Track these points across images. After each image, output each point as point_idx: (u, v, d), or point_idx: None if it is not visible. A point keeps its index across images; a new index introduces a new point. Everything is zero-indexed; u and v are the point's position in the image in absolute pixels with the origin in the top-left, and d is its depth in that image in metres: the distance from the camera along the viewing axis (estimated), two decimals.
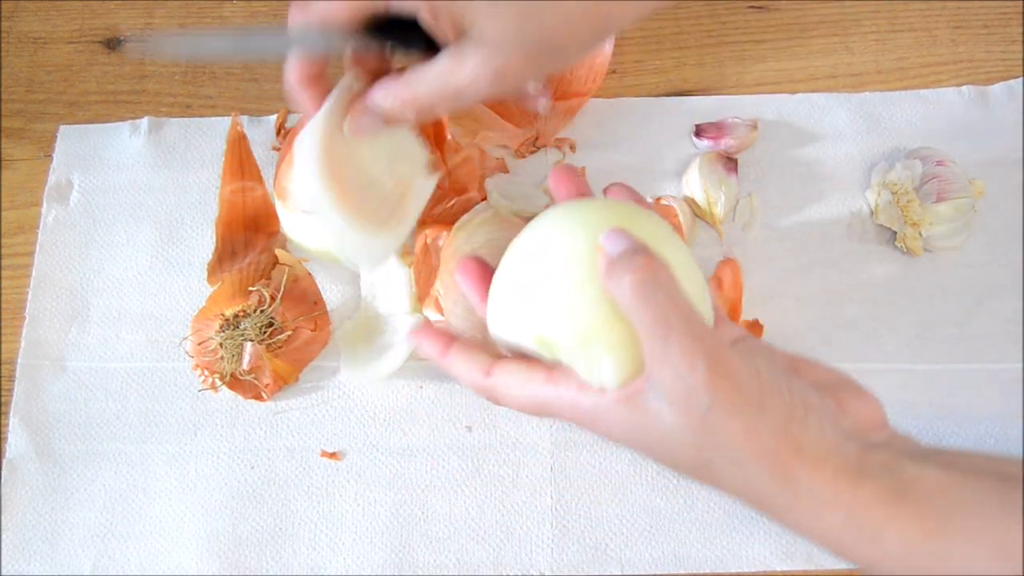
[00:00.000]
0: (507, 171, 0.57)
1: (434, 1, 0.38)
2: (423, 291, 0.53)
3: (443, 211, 0.55)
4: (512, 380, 0.38)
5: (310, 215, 0.45)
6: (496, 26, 0.38)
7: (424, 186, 0.47)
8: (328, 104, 0.42)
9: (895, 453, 0.35)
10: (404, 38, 0.40)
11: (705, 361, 0.34)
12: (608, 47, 0.58)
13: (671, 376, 0.34)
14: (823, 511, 0.34)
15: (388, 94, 0.41)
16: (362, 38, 0.40)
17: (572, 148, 0.58)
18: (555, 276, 0.37)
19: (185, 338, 0.54)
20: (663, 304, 0.35)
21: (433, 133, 0.55)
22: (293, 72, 0.42)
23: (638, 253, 0.36)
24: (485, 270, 0.42)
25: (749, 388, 0.34)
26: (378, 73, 0.42)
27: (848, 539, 0.34)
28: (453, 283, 0.51)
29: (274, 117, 0.59)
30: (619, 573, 0.49)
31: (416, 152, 0.47)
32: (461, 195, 0.55)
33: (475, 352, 0.40)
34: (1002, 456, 0.36)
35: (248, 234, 0.55)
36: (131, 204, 0.57)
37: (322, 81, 0.43)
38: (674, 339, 0.34)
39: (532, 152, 0.58)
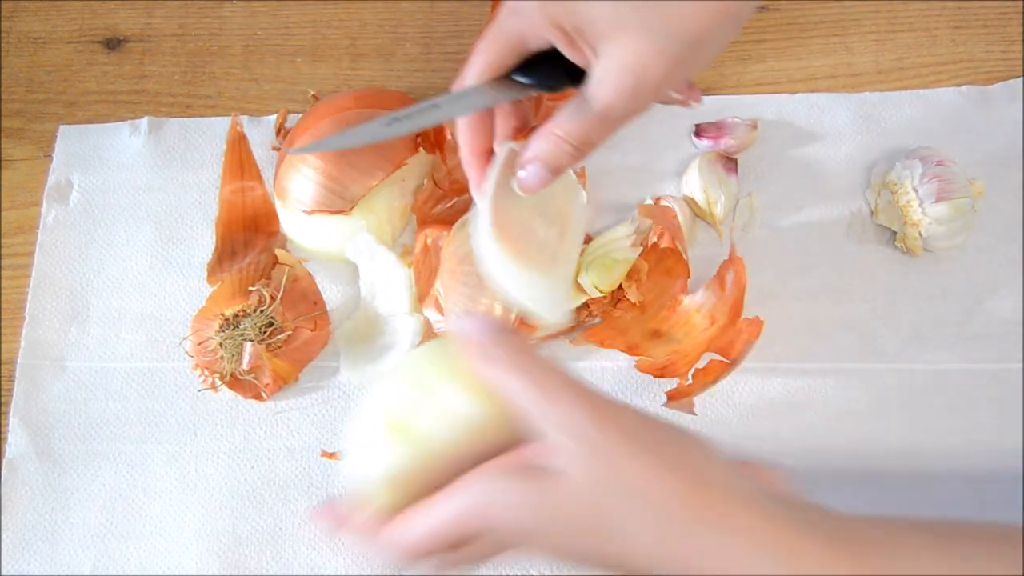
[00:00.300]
0: None
1: (563, 26, 0.38)
2: (423, 291, 0.53)
3: (443, 211, 0.55)
4: (409, 514, 0.36)
5: (493, 281, 0.44)
6: (622, 37, 0.37)
7: (579, 208, 0.48)
8: (493, 173, 0.42)
9: (816, 506, 0.35)
10: (549, 74, 0.40)
11: (594, 412, 0.34)
12: None
13: (563, 426, 0.34)
14: (760, 552, 0.33)
15: (545, 140, 0.40)
16: (510, 85, 0.40)
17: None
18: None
19: (185, 338, 0.54)
20: (540, 371, 0.35)
21: (433, 134, 0.55)
22: (466, 147, 0.43)
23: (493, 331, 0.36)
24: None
25: (641, 431, 0.34)
26: (530, 131, 0.42)
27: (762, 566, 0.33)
28: (453, 283, 0.50)
29: (274, 117, 0.59)
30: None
31: (562, 181, 0.45)
32: (461, 195, 0.55)
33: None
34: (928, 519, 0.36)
35: (248, 234, 0.55)
36: (131, 204, 0.57)
37: (490, 155, 0.43)
38: (562, 395, 0.34)
39: None
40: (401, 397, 0.38)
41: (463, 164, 0.44)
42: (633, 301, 0.52)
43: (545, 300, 0.45)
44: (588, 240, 0.53)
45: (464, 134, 0.43)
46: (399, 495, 0.36)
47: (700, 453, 0.35)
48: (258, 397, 0.52)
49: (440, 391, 0.37)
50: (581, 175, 0.55)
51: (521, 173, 0.41)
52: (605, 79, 0.38)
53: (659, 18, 0.37)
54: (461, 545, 0.36)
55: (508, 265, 0.42)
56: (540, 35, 0.39)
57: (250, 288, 0.53)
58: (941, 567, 0.33)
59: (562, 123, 0.39)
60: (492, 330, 0.36)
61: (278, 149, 0.58)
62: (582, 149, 0.40)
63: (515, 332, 0.36)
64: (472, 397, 0.36)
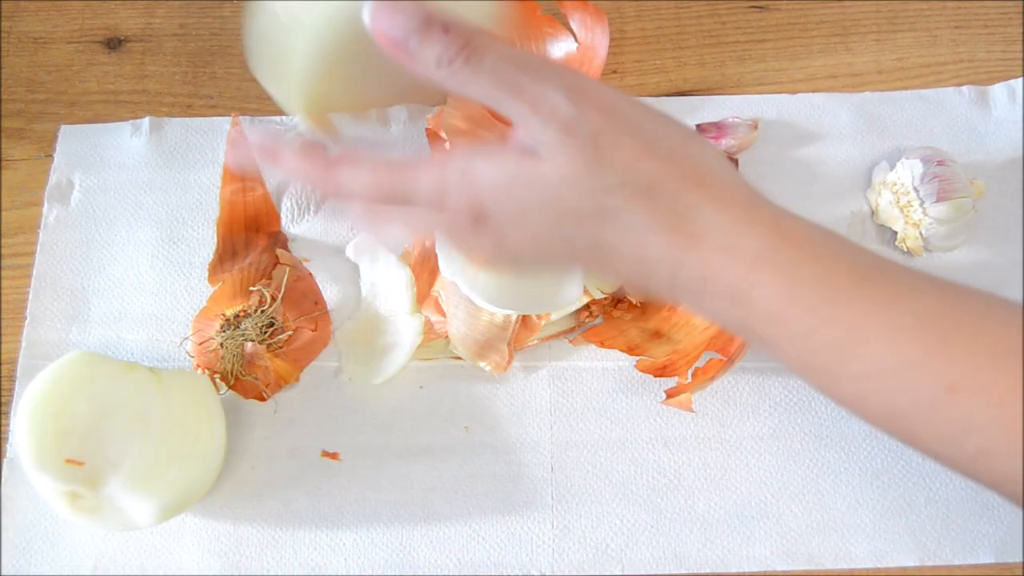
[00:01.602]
0: None
1: None
2: (423, 292, 0.53)
3: None
4: (363, 159, 0.33)
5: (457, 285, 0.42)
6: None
7: None
8: None
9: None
10: None
11: (572, 90, 0.31)
12: (605, 47, 0.58)
13: (545, 114, 0.31)
14: (740, 242, 0.32)
15: None
16: None
17: None
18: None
19: (186, 338, 0.54)
20: (498, 64, 0.31)
21: (429, 135, 0.55)
22: None
23: (435, 28, 0.31)
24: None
25: (630, 114, 0.32)
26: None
27: (754, 281, 0.32)
28: (454, 285, 0.51)
29: (274, 117, 0.59)
30: (619, 573, 0.49)
31: None
32: None
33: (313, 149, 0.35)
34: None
35: (249, 234, 0.55)
36: (132, 204, 0.57)
37: None
38: (527, 82, 0.31)
39: None
40: None
41: None
42: (634, 302, 0.52)
43: (522, 301, 0.44)
44: None
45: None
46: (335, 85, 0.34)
47: (691, 138, 0.33)
48: (258, 397, 0.52)
49: None
50: None
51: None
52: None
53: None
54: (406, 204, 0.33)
55: (466, 269, 0.40)
56: None
57: (251, 288, 0.53)
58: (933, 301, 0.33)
59: None
60: (420, 22, 0.31)
61: None
62: None
63: (456, 30, 0.31)
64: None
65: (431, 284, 0.52)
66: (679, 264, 0.33)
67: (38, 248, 0.56)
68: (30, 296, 0.55)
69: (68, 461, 0.44)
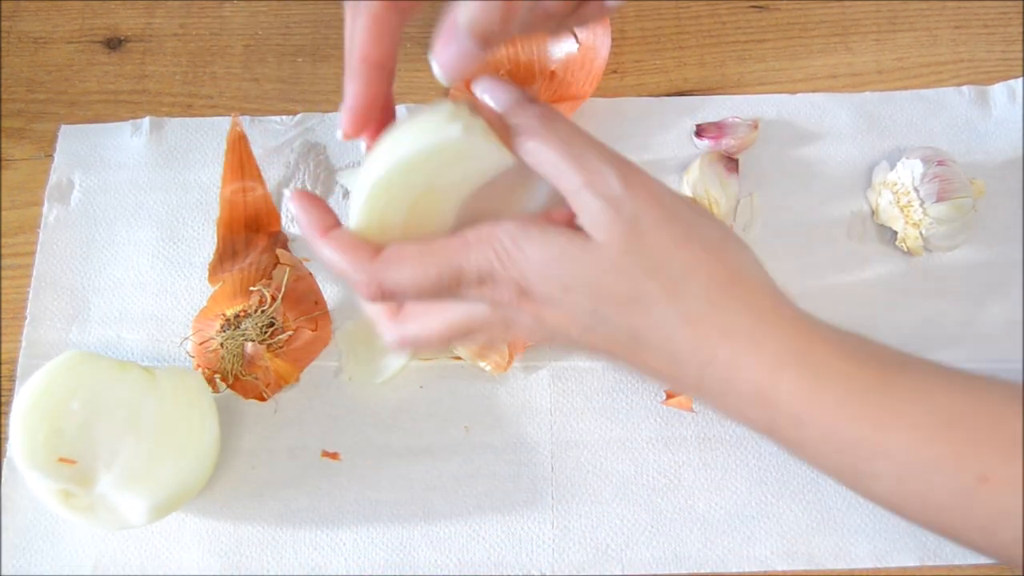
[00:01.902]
0: None
1: None
2: None
3: None
4: (409, 251, 0.33)
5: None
6: None
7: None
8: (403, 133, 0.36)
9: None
10: None
11: (624, 173, 0.33)
12: (606, 47, 0.58)
13: (595, 191, 0.32)
14: (765, 342, 0.33)
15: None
16: None
17: None
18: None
19: (186, 338, 0.54)
20: (569, 137, 0.33)
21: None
22: (357, 48, 0.34)
23: (526, 102, 0.34)
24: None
25: (673, 204, 0.33)
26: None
27: (779, 380, 0.33)
28: None
29: (274, 117, 0.59)
30: (619, 573, 0.49)
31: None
32: None
33: (356, 238, 0.35)
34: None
35: (249, 234, 0.55)
36: (132, 204, 0.57)
37: (387, 70, 0.35)
38: (591, 157, 0.33)
39: None
40: (407, 134, 0.34)
41: (346, 76, 0.35)
42: None
43: None
44: None
45: (363, 22, 0.34)
46: (393, 222, 0.33)
47: (728, 237, 0.34)
48: (259, 397, 0.52)
49: (450, 130, 0.33)
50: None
51: (441, 53, 0.34)
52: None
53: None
54: (456, 296, 0.33)
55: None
56: None
57: (251, 288, 0.53)
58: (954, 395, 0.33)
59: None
60: (517, 97, 0.34)
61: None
62: None
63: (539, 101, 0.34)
64: (491, 142, 0.33)
65: None
66: (707, 361, 0.33)
67: (38, 248, 0.56)
68: (30, 296, 0.55)
69: (61, 460, 0.44)
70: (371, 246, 0.34)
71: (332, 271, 0.35)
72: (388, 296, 0.34)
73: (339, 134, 0.35)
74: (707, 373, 0.33)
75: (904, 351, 0.36)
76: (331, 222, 0.35)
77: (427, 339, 0.36)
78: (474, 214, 0.36)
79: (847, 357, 0.34)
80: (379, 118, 0.36)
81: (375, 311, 0.37)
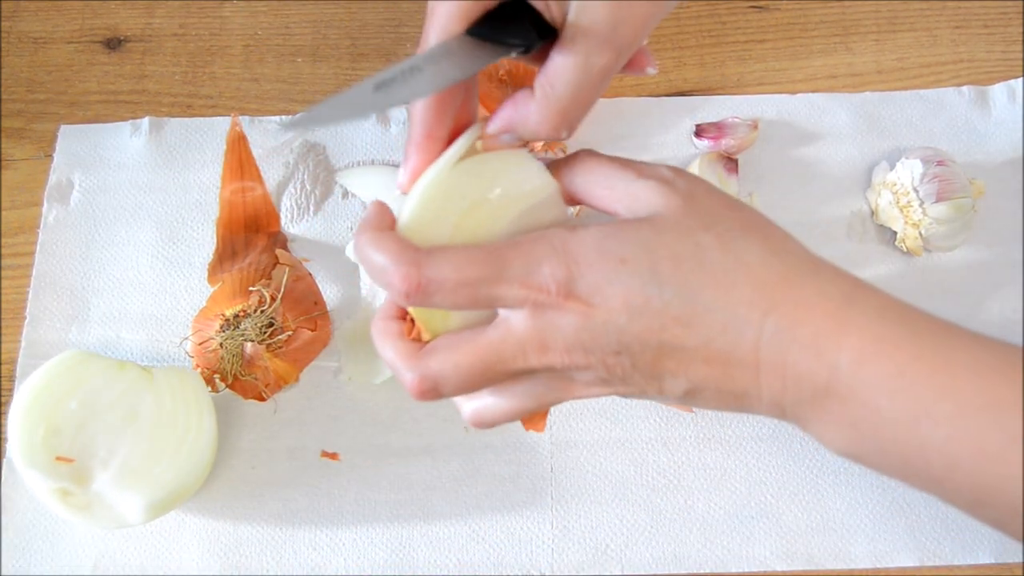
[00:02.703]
0: None
1: None
2: None
3: None
4: (454, 248, 0.33)
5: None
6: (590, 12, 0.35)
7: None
8: (448, 157, 0.37)
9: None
10: (520, 29, 0.36)
11: (671, 168, 0.35)
12: None
13: (650, 175, 0.34)
14: (827, 288, 0.34)
15: (523, 102, 0.36)
16: (483, 45, 0.36)
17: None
18: None
19: (186, 338, 0.54)
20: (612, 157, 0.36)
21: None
22: (422, 127, 0.36)
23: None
24: None
25: (717, 188, 0.36)
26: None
27: (845, 319, 0.33)
28: None
29: (274, 117, 0.59)
30: (619, 573, 0.49)
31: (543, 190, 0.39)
32: None
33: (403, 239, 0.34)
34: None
35: (248, 234, 0.55)
36: (132, 204, 0.57)
37: (446, 143, 0.37)
38: (638, 163, 0.35)
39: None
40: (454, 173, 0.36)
41: (409, 146, 0.37)
42: None
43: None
44: None
45: (426, 111, 0.36)
46: (441, 230, 0.34)
47: (767, 218, 0.36)
48: (258, 397, 0.52)
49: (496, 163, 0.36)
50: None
51: (490, 143, 0.37)
52: (588, 12, 0.34)
53: None
54: (494, 299, 0.33)
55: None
56: None
57: (251, 288, 0.53)
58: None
59: (544, 87, 0.35)
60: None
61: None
62: (567, 117, 0.35)
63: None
64: (537, 163, 0.36)
65: None
66: (768, 310, 0.33)
67: (38, 248, 0.56)
68: (30, 296, 0.55)
69: (58, 458, 0.44)
70: (416, 247, 0.34)
71: (368, 267, 0.34)
72: (424, 289, 0.33)
73: (398, 186, 0.37)
74: (767, 328, 0.33)
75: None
76: (386, 221, 0.35)
77: (453, 374, 0.34)
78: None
79: (907, 308, 0.34)
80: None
81: (391, 354, 0.36)
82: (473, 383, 0.35)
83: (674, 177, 0.35)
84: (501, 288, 0.33)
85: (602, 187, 0.36)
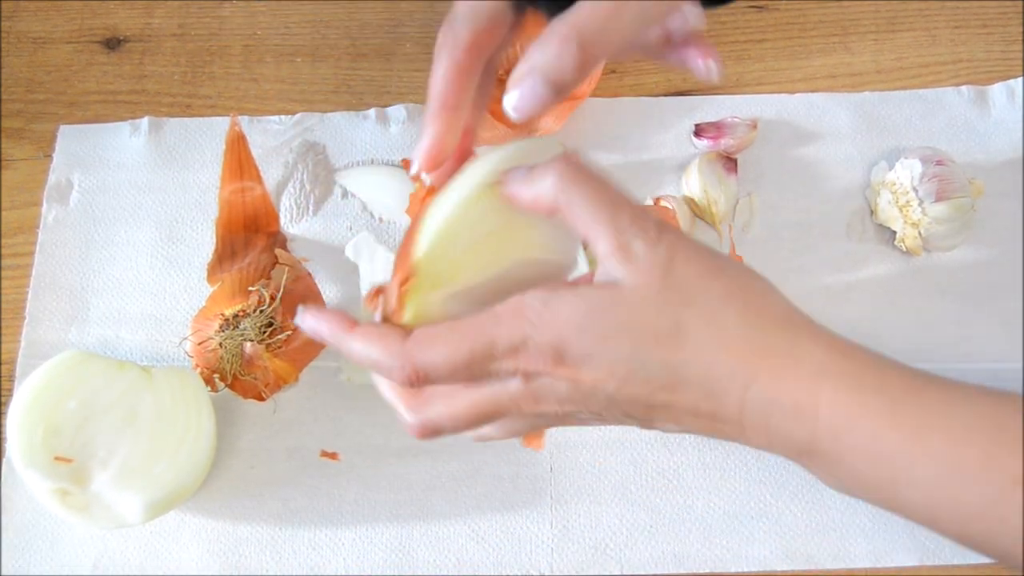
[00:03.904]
0: None
1: None
2: None
3: None
4: (439, 330, 0.33)
5: None
6: None
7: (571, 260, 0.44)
8: (471, 176, 0.36)
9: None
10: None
11: (655, 221, 0.34)
12: None
13: (626, 241, 0.33)
14: (804, 356, 0.34)
15: (544, 45, 0.34)
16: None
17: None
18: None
19: (185, 338, 0.54)
20: (599, 190, 0.34)
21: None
22: (440, 93, 0.37)
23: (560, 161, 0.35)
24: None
25: (699, 245, 0.35)
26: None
27: (819, 391, 0.33)
28: None
29: (274, 117, 0.59)
30: (619, 573, 0.49)
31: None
32: None
33: (383, 326, 0.35)
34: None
35: (248, 234, 0.55)
36: (131, 204, 0.57)
37: (461, 110, 0.37)
38: (624, 209, 0.34)
39: None
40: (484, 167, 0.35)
41: (427, 115, 0.37)
42: None
43: None
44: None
45: (444, 82, 0.36)
46: (423, 301, 0.34)
47: (752, 272, 0.35)
48: (258, 397, 0.52)
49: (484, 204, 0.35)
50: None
51: (514, 93, 0.35)
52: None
53: None
54: (488, 374, 0.33)
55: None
56: None
57: (250, 288, 0.53)
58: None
59: (565, 18, 0.34)
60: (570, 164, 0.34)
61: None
62: (589, 49, 0.34)
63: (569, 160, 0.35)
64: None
65: None
66: (747, 384, 0.34)
67: (37, 248, 0.56)
68: (29, 296, 0.55)
69: (57, 458, 0.44)
70: (399, 330, 0.34)
71: (364, 364, 0.35)
72: (422, 378, 0.34)
73: (413, 170, 0.37)
74: (749, 396, 0.34)
75: (920, 370, 0.36)
76: (350, 320, 0.36)
77: (451, 421, 0.36)
78: (516, 280, 0.36)
79: (881, 369, 0.34)
80: (456, 159, 0.39)
81: (394, 396, 0.37)
82: (470, 427, 0.36)
83: (657, 238, 0.34)
84: (492, 365, 0.34)
85: (586, 224, 0.34)
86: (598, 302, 0.33)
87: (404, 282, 0.35)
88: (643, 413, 0.35)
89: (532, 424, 0.38)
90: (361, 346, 0.35)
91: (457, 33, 0.37)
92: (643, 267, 0.33)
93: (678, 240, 0.34)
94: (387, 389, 0.37)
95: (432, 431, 0.36)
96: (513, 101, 0.35)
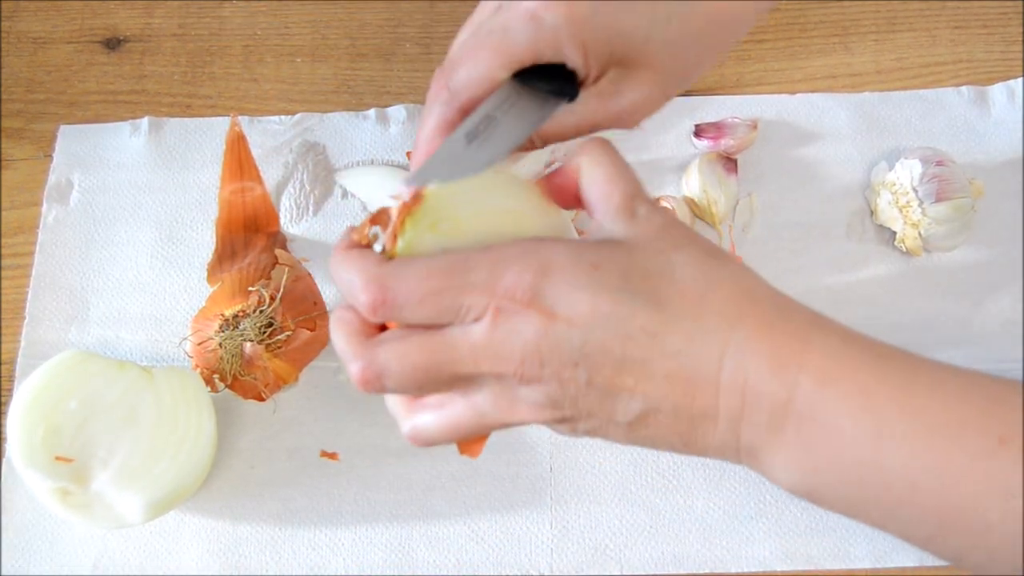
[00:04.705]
0: None
1: (589, 47, 0.37)
2: None
3: None
4: (417, 259, 0.33)
5: None
6: (666, 50, 0.39)
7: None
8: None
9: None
10: (558, 82, 0.38)
11: (647, 198, 0.36)
12: None
13: (634, 204, 0.35)
14: (788, 314, 0.34)
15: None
16: (524, 91, 0.38)
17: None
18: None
19: (185, 338, 0.54)
20: (622, 162, 0.37)
21: None
22: (432, 125, 0.38)
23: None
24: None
25: (699, 237, 0.36)
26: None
27: (807, 339, 0.34)
28: None
29: (274, 117, 0.59)
30: (619, 573, 0.49)
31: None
32: None
33: (367, 251, 0.34)
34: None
35: (248, 234, 0.55)
36: (131, 204, 0.57)
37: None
38: (637, 183, 0.36)
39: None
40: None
41: (414, 155, 0.39)
42: None
43: None
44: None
45: (436, 127, 0.38)
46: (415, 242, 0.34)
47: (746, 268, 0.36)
48: (258, 397, 0.52)
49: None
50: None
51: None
52: (633, 88, 0.39)
53: (678, 61, 0.41)
54: (456, 310, 0.32)
55: None
56: (560, 52, 0.37)
57: (250, 288, 0.53)
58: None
59: (573, 116, 0.39)
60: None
61: None
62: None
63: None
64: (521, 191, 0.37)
65: None
66: (736, 321, 0.33)
67: (37, 248, 0.56)
68: (29, 296, 0.55)
69: (57, 458, 0.44)
70: (381, 256, 0.34)
71: (339, 285, 0.34)
72: (388, 302, 0.32)
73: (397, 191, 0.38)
74: (733, 337, 0.33)
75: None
76: (359, 242, 0.36)
77: (398, 364, 0.33)
78: None
79: (864, 337, 0.35)
80: None
81: (343, 343, 0.35)
82: (417, 379, 0.34)
83: (661, 209, 0.36)
84: (465, 297, 0.32)
85: (603, 181, 0.36)
86: (596, 242, 0.34)
87: (408, 208, 0.34)
88: (610, 376, 0.33)
89: (476, 412, 0.35)
90: (339, 262, 0.34)
91: (453, 94, 0.38)
92: (642, 223, 0.35)
93: (678, 221, 0.36)
94: (339, 337, 0.35)
95: (376, 375, 0.33)
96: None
